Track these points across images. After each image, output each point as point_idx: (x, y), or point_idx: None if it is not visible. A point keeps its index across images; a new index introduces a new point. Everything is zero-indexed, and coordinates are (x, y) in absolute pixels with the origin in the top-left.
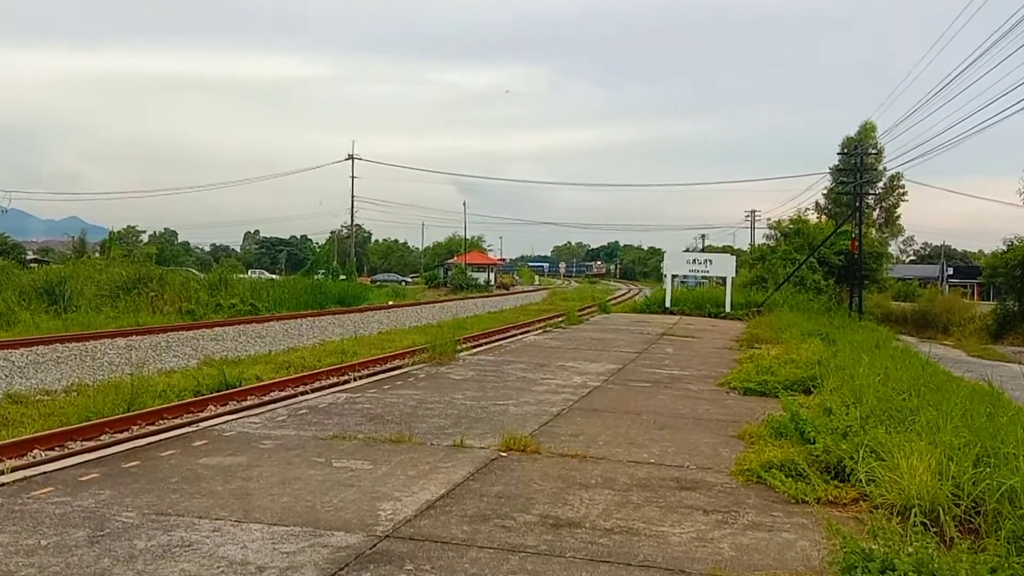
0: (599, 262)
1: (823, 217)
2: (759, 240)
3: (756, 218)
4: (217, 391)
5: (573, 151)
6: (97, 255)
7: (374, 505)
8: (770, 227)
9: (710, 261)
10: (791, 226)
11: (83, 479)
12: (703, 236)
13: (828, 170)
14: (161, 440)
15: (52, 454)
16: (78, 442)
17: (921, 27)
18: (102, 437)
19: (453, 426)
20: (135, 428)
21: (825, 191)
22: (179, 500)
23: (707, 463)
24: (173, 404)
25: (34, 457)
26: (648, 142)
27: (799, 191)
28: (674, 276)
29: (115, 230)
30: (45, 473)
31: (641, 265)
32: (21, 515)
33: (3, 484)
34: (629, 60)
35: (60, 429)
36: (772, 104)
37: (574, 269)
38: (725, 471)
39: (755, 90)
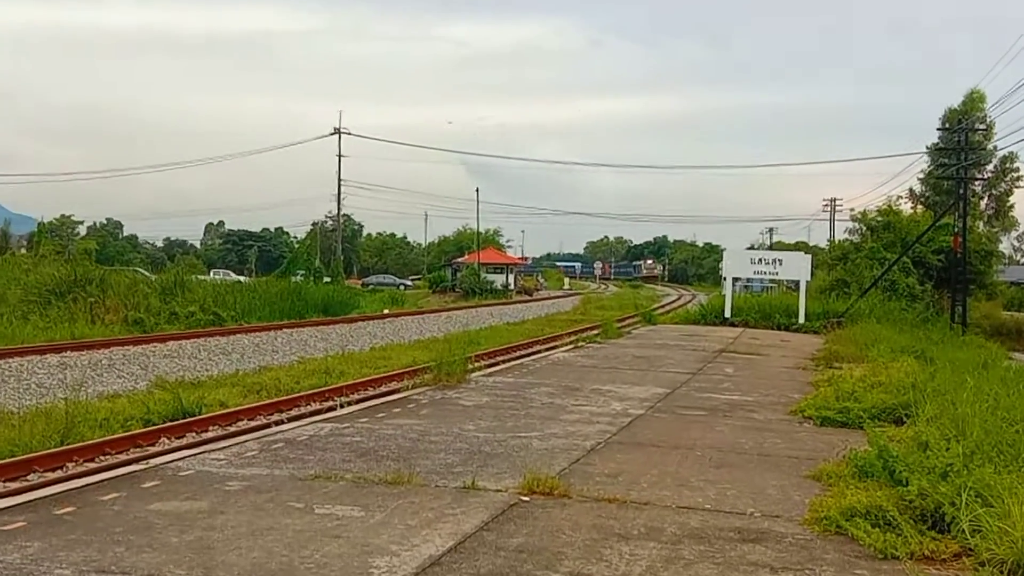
0: (650, 261)
1: (919, 207)
2: (840, 235)
3: (837, 208)
4: (172, 420)
5: (613, 126)
6: (23, 251)
7: (366, 561)
8: (853, 219)
9: (779, 261)
10: (879, 218)
11: (6, 528)
12: (771, 230)
13: (926, 149)
14: (102, 480)
15: None
16: (0, 482)
17: None
18: (30, 477)
19: (463, 464)
20: (70, 466)
21: (922, 175)
22: (124, 555)
23: (775, 509)
24: (117, 436)
25: None
26: (704, 115)
27: (889, 175)
28: (735, 279)
29: (45, 221)
30: None
31: (695, 266)
32: None
33: None
34: (682, 9)
35: None
36: (858, 69)
37: (613, 270)
38: (797, 519)
39: (837, 52)
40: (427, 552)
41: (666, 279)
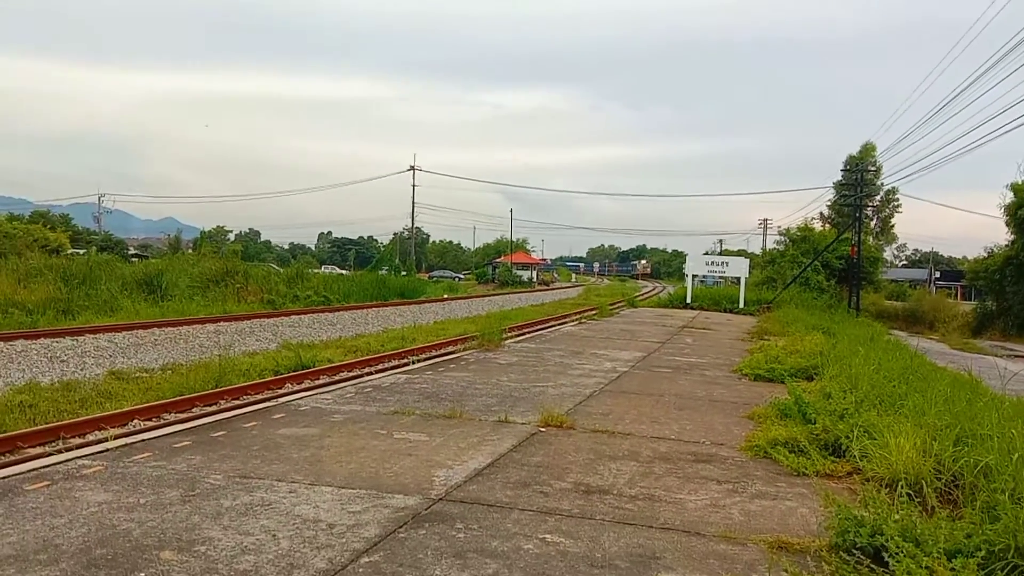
0: (643, 261)
1: (827, 226)
2: (770, 245)
3: (768, 226)
4: (294, 371)
5: (606, 165)
6: (190, 251)
7: (429, 472)
8: (780, 234)
9: (726, 263)
10: (798, 233)
11: (177, 446)
12: (720, 241)
13: (832, 185)
14: (244, 413)
15: (150, 424)
16: (172, 414)
17: (921, 56)
18: (193, 410)
19: (499, 404)
20: (222, 402)
21: (829, 203)
22: (260, 465)
23: (721, 439)
24: (255, 382)
25: (134, 426)
26: (674, 157)
27: (806, 203)
28: (694, 276)
29: (206, 230)
30: (144, 440)
31: (666, 266)
32: (123, 477)
33: (108, 449)
34: (657, 84)
35: (157, 402)
36: (785, 125)
37: (605, 269)
38: (736, 447)
39: (771, 111)
40: (473, 466)
41: (648, 275)
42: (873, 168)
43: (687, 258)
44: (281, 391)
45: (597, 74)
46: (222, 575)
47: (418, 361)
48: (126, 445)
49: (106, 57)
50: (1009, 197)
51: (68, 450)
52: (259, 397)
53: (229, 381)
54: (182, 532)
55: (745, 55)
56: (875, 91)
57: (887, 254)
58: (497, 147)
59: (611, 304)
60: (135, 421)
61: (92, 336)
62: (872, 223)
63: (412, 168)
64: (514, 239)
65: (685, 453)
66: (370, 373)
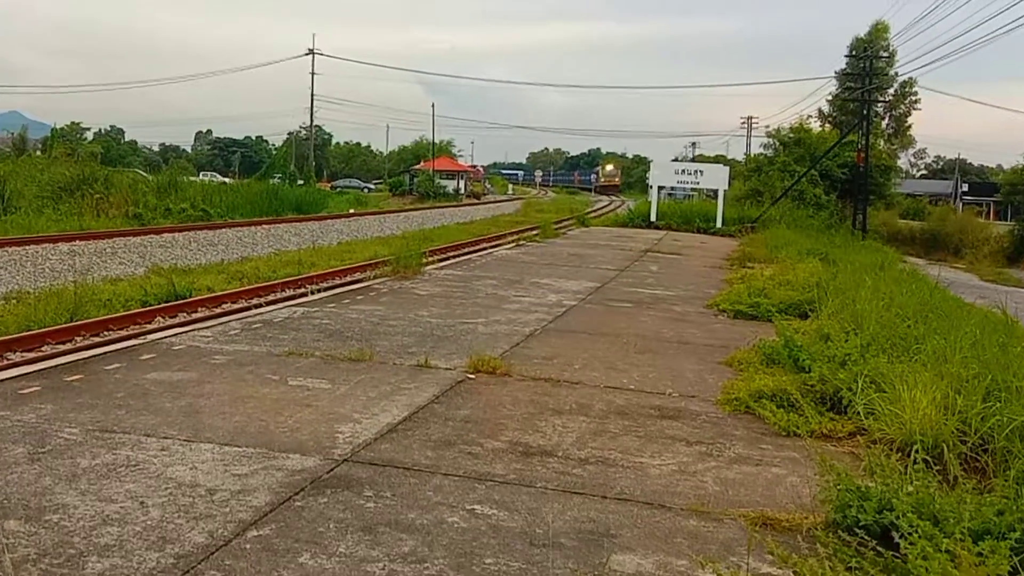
0: (610, 167)
1: (827, 126)
2: (755, 150)
3: (753, 126)
4: (166, 302)
5: (555, 50)
6: (39, 153)
7: (332, 427)
8: (768, 136)
9: (700, 172)
10: (791, 135)
11: (23, 392)
12: (694, 144)
13: (834, 74)
14: (106, 353)
15: None
16: (18, 353)
17: None
18: (43, 348)
19: (417, 345)
20: (78, 339)
21: (830, 97)
22: (125, 417)
23: (692, 391)
24: (119, 315)
25: None
26: (640, 40)
27: (801, 97)
28: (661, 188)
29: (58, 127)
30: None
31: (625, 175)
32: None
33: None
34: None
35: None
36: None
37: (551, 179)
38: (711, 400)
39: None
40: (385, 420)
41: (616, 186)
42: (885, 54)
43: (651, 166)
44: (150, 326)
45: None
46: (79, 550)
47: (318, 291)
48: None
49: None
50: None
51: None
52: (124, 333)
53: (87, 314)
54: (29, 498)
55: None
56: None
57: (902, 162)
58: (418, 26)
59: (557, 222)
60: None
61: None
62: (884, 123)
63: (311, 52)
64: (437, 141)
65: (647, 407)
66: (259, 305)
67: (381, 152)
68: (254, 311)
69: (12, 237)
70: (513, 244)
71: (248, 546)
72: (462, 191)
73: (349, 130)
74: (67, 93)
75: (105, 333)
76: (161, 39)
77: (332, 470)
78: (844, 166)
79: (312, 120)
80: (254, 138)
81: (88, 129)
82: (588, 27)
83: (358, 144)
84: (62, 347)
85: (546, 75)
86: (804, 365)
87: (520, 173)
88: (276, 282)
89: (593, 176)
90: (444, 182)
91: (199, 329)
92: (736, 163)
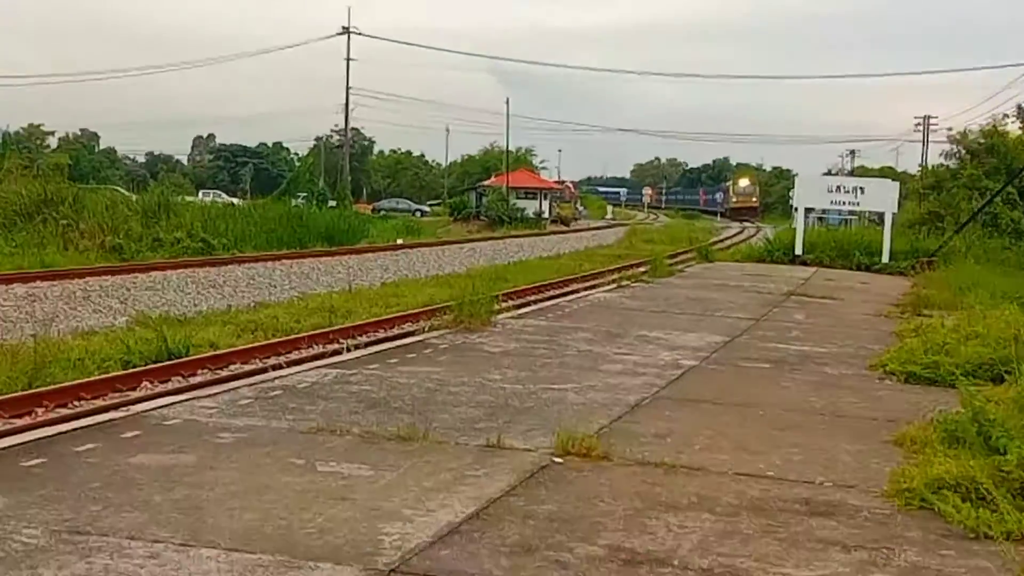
0: (744, 182)
1: None
2: (934, 160)
3: (931, 128)
4: (155, 361)
5: (667, 29)
6: None
7: (375, 527)
8: (951, 141)
9: (861, 190)
10: (981, 140)
11: None
12: (852, 153)
13: None
14: (77, 429)
15: None
16: None
17: None
18: None
19: (487, 418)
20: (40, 411)
21: None
22: (102, 514)
23: (849, 479)
24: (93, 378)
25: None
26: (775, 15)
27: (996, 89)
28: (808, 211)
29: (11, 131)
30: None
31: (761, 194)
32: None
33: None
34: None
35: None
36: None
37: (663, 198)
38: (875, 491)
39: None
40: (445, 518)
41: (753, 208)
42: None
43: (796, 182)
44: (135, 394)
45: None
46: None
47: (357, 347)
48: None
49: None
50: None
51: None
52: (100, 404)
53: (52, 378)
54: None
55: None
56: None
57: None
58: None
59: (671, 256)
60: None
61: None
62: None
63: (345, 31)
64: (513, 149)
65: (791, 500)
66: (278, 366)
67: (439, 164)
68: (272, 374)
69: None
70: (614, 285)
71: None
72: (546, 215)
73: (396, 134)
74: (22, 86)
75: (75, 403)
76: (147, 17)
77: None
78: None
79: (347, 121)
80: (270, 145)
81: (51, 134)
82: (713, 2)
83: (408, 153)
84: (18, 422)
85: (656, 62)
86: (999, 445)
87: (622, 191)
88: (301, 335)
89: (720, 194)
90: (522, 203)
91: (199, 398)
92: (909, 178)
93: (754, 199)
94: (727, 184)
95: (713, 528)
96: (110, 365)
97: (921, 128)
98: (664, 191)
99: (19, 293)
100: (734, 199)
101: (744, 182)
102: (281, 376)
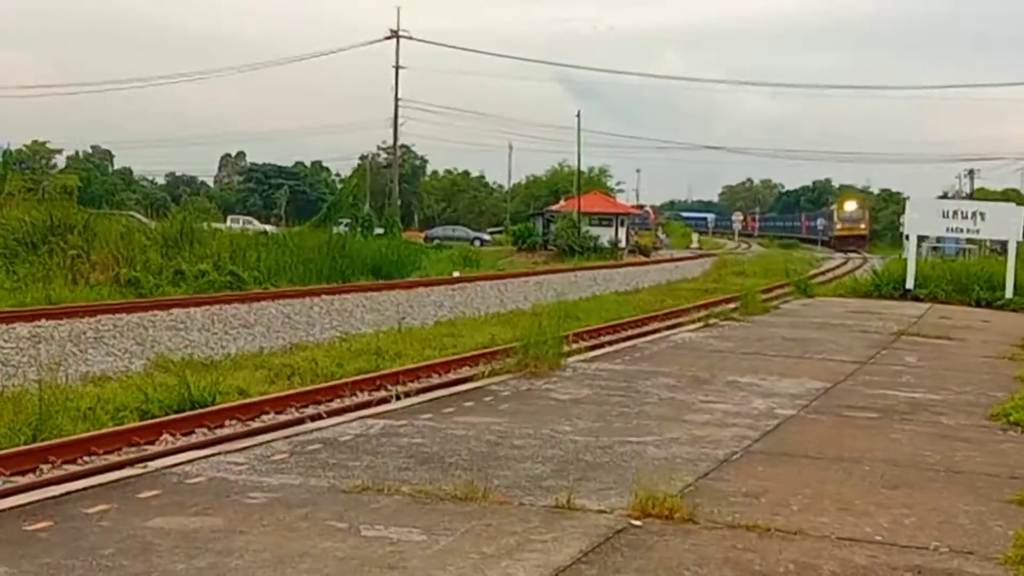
0: (852, 205)
1: None
2: None
3: None
4: (177, 411)
5: (761, 31)
6: None
7: None
8: None
9: (982, 215)
10: None
11: None
12: (971, 173)
13: None
14: (87, 488)
15: None
16: None
17: None
18: None
19: (556, 476)
20: (46, 468)
21: None
22: None
23: (968, 544)
24: (106, 431)
25: None
26: (883, 17)
27: None
28: (922, 239)
29: (13, 148)
30: None
31: (870, 220)
32: None
33: None
34: None
35: None
36: None
37: (760, 223)
38: (997, 557)
39: None
40: None
41: (862, 237)
42: None
43: (907, 206)
44: (153, 448)
45: None
46: None
47: (407, 395)
48: None
49: None
50: None
51: None
52: (114, 459)
53: (59, 429)
54: None
55: None
56: None
57: None
58: None
59: (765, 291)
60: None
61: None
62: None
63: (394, 35)
64: (585, 169)
65: (902, 568)
66: (317, 416)
67: (501, 186)
68: (310, 425)
69: None
70: (700, 324)
71: None
72: (622, 244)
73: (452, 152)
74: (26, 97)
75: (86, 459)
76: (167, 19)
77: None
78: None
79: (396, 138)
80: (308, 165)
81: (58, 151)
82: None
83: (465, 173)
84: (22, 480)
85: (748, 70)
86: None
87: (710, 216)
88: (343, 382)
89: (822, 220)
90: (596, 230)
91: (227, 452)
92: None
93: (862, 225)
94: (830, 208)
95: None
96: (125, 415)
97: None
98: (758, 216)
99: (22, 333)
100: (838, 225)
101: (851, 205)
102: (320, 428)
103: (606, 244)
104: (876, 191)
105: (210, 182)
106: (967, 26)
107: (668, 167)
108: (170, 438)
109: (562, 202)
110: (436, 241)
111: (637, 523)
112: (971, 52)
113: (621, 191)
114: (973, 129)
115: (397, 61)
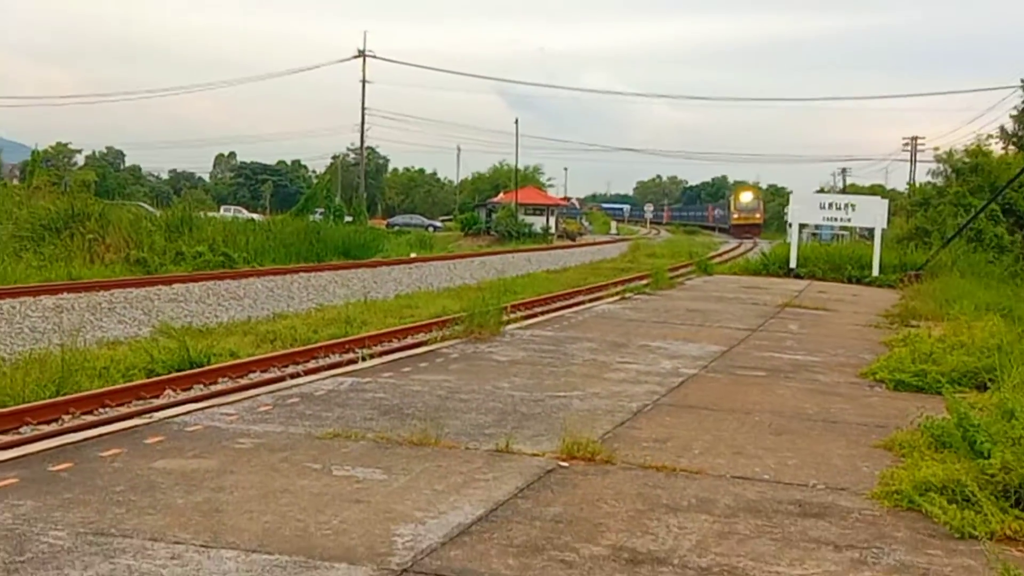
0: (747, 195)
1: (1011, 148)
2: (921, 178)
3: (918, 148)
4: (177, 370)
5: (669, 53)
6: (15, 182)
7: (388, 528)
8: (937, 160)
9: (852, 206)
10: (966, 160)
11: None
12: (843, 171)
13: (1021, 82)
14: (102, 435)
15: None
16: None
17: None
18: (22, 430)
19: (496, 425)
20: (67, 418)
21: (1015, 112)
22: (125, 516)
23: (841, 481)
24: (118, 387)
25: None
26: (772, 41)
27: (980, 111)
28: (802, 226)
29: (40, 149)
30: None
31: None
32: None
33: None
34: None
35: None
36: None
37: (661, 214)
38: (864, 493)
39: None
40: (455, 520)
41: (757, 225)
42: None
43: (791, 199)
44: (158, 402)
45: None
46: None
47: (371, 356)
48: None
49: None
50: None
51: None
52: (124, 411)
53: (77, 385)
54: None
55: None
56: None
57: None
58: (496, 22)
59: (672, 270)
60: None
61: None
62: None
63: (361, 54)
64: (522, 167)
65: (785, 502)
66: (296, 375)
67: (451, 181)
68: (289, 382)
69: None
70: (617, 297)
71: None
72: (552, 230)
73: (410, 153)
74: (51, 105)
75: (100, 410)
76: (169, 41)
77: None
78: None
79: (363, 140)
80: (289, 163)
81: (78, 151)
82: (713, 23)
83: (421, 171)
84: (46, 427)
85: (658, 84)
86: (983, 449)
87: (625, 207)
88: (317, 345)
89: (718, 211)
90: (530, 218)
91: (220, 405)
92: (897, 195)
93: (757, 215)
94: (728, 199)
95: (711, 529)
96: (134, 374)
97: (909, 148)
98: (668, 207)
99: (47, 305)
100: (735, 215)
101: (747, 196)
102: (298, 384)
103: (539, 230)
104: (765, 186)
105: (206, 177)
106: (847, 48)
107: (591, 166)
108: (172, 393)
109: (502, 195)
110: (396, 228)
111: (564, 464)
112: (845, 70)
113: (552, 186)
114: (846, 135)
115: (364, 77)
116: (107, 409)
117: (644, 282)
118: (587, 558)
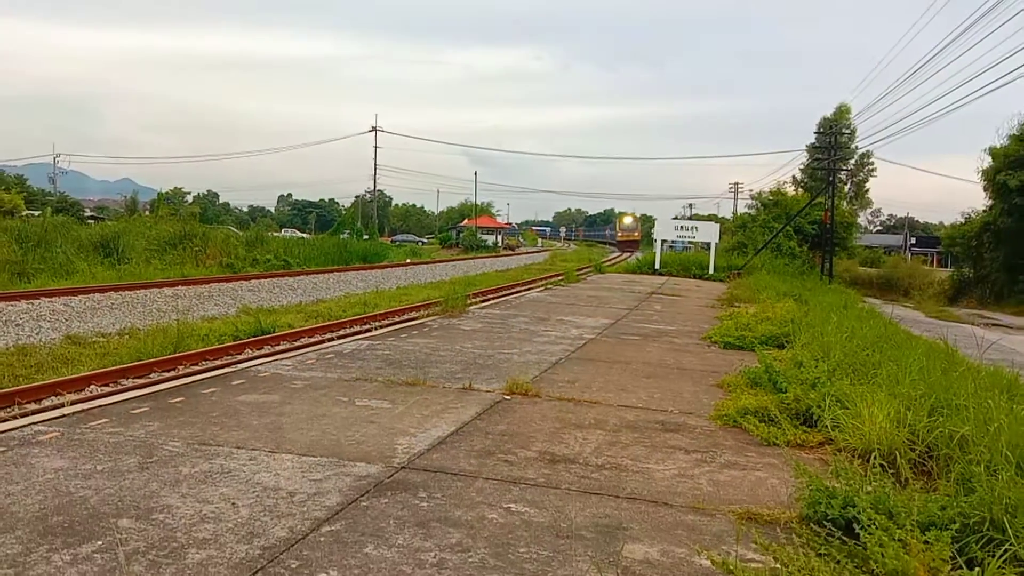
0: (628, 220)
1: (799, 190)
2: (741, 209)
3: (739, 190)
4: (253, 336)
5: (575, 128)
6: (147, 213)
7: (392, 440)
8: (752, 198)
9: (696, 228)
10: (770, 198)
11: (134, 412)
12: (691, 205)
13: (805, 148)
14: (203, 379)
15: (107, 389)
16: (130, 379)
17: (898, 13)
18: (151, 375)
19: (463, 371)
20: (180, 368)
21: (802, 167)
22: (219, 432)
23: (689, 408)
24: (214, 347)
25: (91, 392)
26: (645, 120)
27: (779, 166)
28: (663, 241)
29: (163, 191)
30: (101, 406)
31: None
32: (80, 443)
33: (64, 415)
34: (631, 44)
35: (114, 367)
36: (760, 87)
37: (572, 234)
38: (705, 416)
39: (745, 73)
40: (436, 434)
41: (636, 241)
42: (847, 131)
43: (656, 223)
44: (240, 357)
45: (569, 33)
46: (180, 544)
47: (380, 327)
48: (83, 411)
49: (74, 15)
50: (987, 161)
51: (23, 416)
52: (218, 363)
53: (188, 346)
54: (140, 500)
55: (720, 12)
56: (852, 50)
57: (861, 219)
58: (465, 108)
59: (578, 270)
60: (92, 387)
61: (48, 300)
62: (846, 187)
63: (374, 129)
64: (479, 203)
65: (653, 422)
66: (331, 339)
67: (432, 212)
68: (327, 344)
69: (126, 283)
70: (542, 288)
71: (322, 539)
72: (500, 244)
73: (406, 193)
74: (171, 163)
75: (203, 362)
76: (249, 117)
77: (392, 476)
78: (814, 223)
79: (375, 185)
80: (327, 200)
81: (188, 193)
82: (607, 109)
83: (414, 205)
84: (167, 374)
85: (569, 148)
86: (781, 387)
87: (548, 229)
88: (345, 320)
89: (610, 231)
90: (485, 236)
91: (281, 359)
92: (725, 221)
93: (636, 233)
94: (614, 223)
95: (604, 439)
96: (225, 338)
97: (733, 190)
98: (573, 230)
99: (167, 294)
100: (620, 234)
101: (628, 220)
102: (333, 345)
103: (491, 244)
104: (640, 214)
105: (272, 210)
106: (694, 123)
107: (525, 202)
108: (250, 351)
109: (467, 221)
110: (397, 243)
111: (508, 397)
112: (695, 139)
113: (499, 215)
114: (693, 181)
115: (376, 143)
116: (207, 361)
117: (560, 278)
118: (522, 459)
